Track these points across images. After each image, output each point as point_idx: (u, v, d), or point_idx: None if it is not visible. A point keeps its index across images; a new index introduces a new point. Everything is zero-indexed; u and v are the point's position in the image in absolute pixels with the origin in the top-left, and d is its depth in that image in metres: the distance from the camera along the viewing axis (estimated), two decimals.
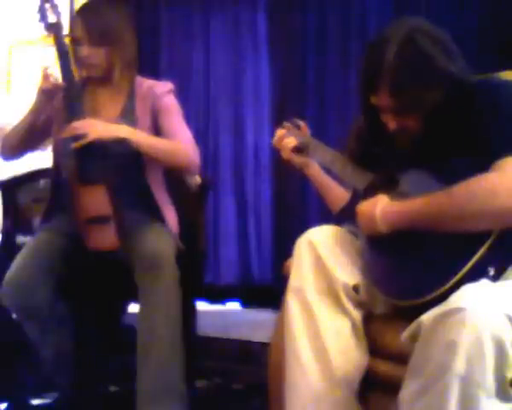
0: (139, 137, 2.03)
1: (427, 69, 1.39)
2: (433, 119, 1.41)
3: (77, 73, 2.14)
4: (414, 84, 1.39)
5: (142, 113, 2.13)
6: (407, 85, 1.39)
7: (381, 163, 1.52)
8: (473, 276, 1.23)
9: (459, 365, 1.09)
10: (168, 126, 2.12)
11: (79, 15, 2.09)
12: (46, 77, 2.03)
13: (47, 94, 2.04)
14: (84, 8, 2.13)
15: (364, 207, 1.45)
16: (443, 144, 1.39)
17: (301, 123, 1.83)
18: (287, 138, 1.77)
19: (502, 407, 1.11)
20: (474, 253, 1.25)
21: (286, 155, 1.78)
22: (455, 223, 1.28)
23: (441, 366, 1.12)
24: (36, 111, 2.07)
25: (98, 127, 1.99)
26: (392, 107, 1.43)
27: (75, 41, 2.08)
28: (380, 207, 1.39)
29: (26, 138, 2.13)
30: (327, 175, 1.79)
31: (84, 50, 2.07)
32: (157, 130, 2.13)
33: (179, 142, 2.09)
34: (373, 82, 1.43)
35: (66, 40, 2.11)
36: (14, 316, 2.01)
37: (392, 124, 1.46)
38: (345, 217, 1.65)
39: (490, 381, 1.10)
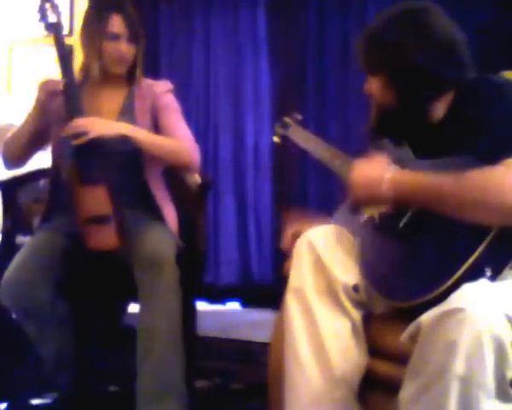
0: (140, 134, 2.04)
1: (396, 39, 1.45)
2: (397, 88, 1.46)
3: (76, 73, 2.15)
4: (377, 45, 1.49)
5: (141, 111, 2.13)
6: (372, 43, 1.50)
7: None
8: (470, 276, 1.23)
9: (459, 365, 1.10)
10: (168, 125, 2.13)
11: (119, 12, 2.07)
12: (42, 88, 2.04)
13: (43, 103, 2.05)
14: (122, 5, 2.10)
15: (368, 168, 1.43)
16: (444, 135, 1.40)
17: (299, 117, 1.83)
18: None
19: (502, 408, 1.11)
20: (470, 253, 1.25)
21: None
22: (454, 208, 1.28)
23: (441, 367, 1.12)
24: (34, 120, 2.08)
25: (99, 125, 1.99)
26: (361, 64, 1.53)
27: (114, 37, 2.07)
28: (391, 173, 1.38)
29: (30, 145, 2.14)
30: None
31: (124, 47, 2.08)
32: (156, 129, 2.14)
33: (180, 140, 2.10)
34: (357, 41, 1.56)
35: (69, 39, 2.11)
36: (13, 316, 2.00)
37: (366, 86, 1.53)
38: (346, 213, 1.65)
39: (490, 381, 1.10)
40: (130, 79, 2.16)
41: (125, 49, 2.09)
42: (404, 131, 1.48)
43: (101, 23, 2.07)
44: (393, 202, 1.38)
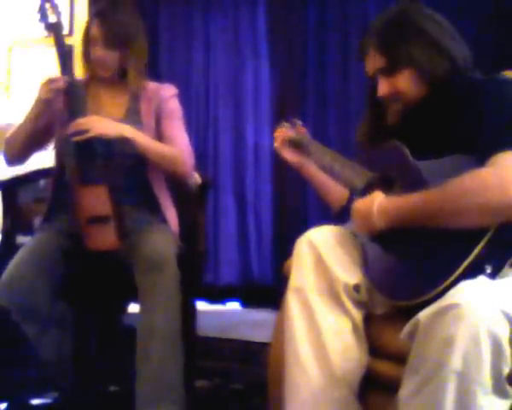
0: (140, 137, 2.04)
1: (414, 30, 1.47)
2: (426, 85, 1.47)
3: (82, 73, 2.15)
4: (398, 39, 1.48)
5: (146, 115, 2.14)
6: (391, 39, 1.49)
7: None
8: (470, 274, 1.23)
9: (456, 361, 1.10)
10: (168, 131, 2.14)
11: (98, 16, 2.10)
12: (46, 85, 2.04)
13: (46, 102, 2.05)
14: (102, 10, 2.13)
15: (361, 204, 1.45)
16: (439, 134, 1.40)
17: (299, 122, 1.84)
18: (286, 133, 1.80)
19: (498, 403, 1.12)
20: (470, 251, 1.25)
21: (279, 149, 1.80)
22: (449, 218, 1.29)
23: (438, 362, 1.12)
24: (34, 119, 2.08)
25: (102, 124, 2.00)
26: (380, 65, 1.51)
27: (91, 40, 2.10)
28: (377, 203, 1.40)
29: (28, 144, 2.13)
30: (323, 174, 1.79)
31: (99, 51, 2.09)
32: (159, 132, 2.14)
33: (178, 149, 2.10)
34: (363, 49, 1.55)
35: (69, 39, 2.12)
36: (13, 315, 2.00)
37: (384, 87, 1.51)
38: (344, 217, 1.66)
39: (486, 377, 1.10)
40: (128, 82, 2.15)
41: (101, 53, 2.09)
42: (429, 126, 1.46)
43: (87, 27, 2.13)
44: (387, 229, 1.39)
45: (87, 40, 2.12)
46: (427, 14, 1.50)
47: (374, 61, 1.53)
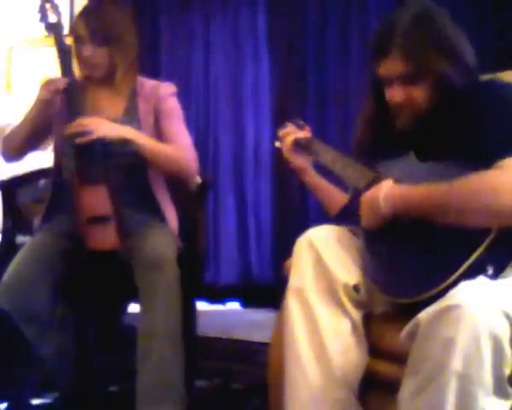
0: (142, 139, 2.03)
1: (439, 37, 1.43)
2: (439, 93, 1.44)
3: (78, 73, 2.14)
4: (425, 49, 1.43)
5: (145, 113, 2.12)
6: (419, 48, 1.43)
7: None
8: (471, 274, 1.23)
9: (456, 362, 1.10)
10: (169, 130, 2.12)
11: (83, 15, 2.09)
12: (46, 86, 2.04)
13: (45, 103, 2.05)
14: (87, 7, 2.12)
15: (369, 193, 1.45)
16: (444, 137, 1.40)
17: (303, 123, 1.83)
18: (291, 134, 1.79)
19: (499, 404, 1.12)
20: (472, 251, 1.25)
21: (287, 151, 1.78)
22: (455, 216, 1.28)
23: (439, 364, 1.12)
24: (33, 118, 2.08)
25: (103, 125, 1.99)
26: (402, 72, 1.45)
27: (78, 40, 2.08)
28: (384, 189, 1.40)
29: (28, 140, 2.13)
30: (323, 179, 1.79)
31: (87, 50, 2.06)
32: (158, 131, 2.13)
33: (180, 149, 2.09)
34: (384, 48, 1.46)
35: (69, 40, 2.11)
36: (13, 317, 2.00)
37: (398, 94, 1.47)
38: (344, 217, 1.66)
39: (487, 378, 1.10)
40: (109, 80, 2.13)
41: (88, 51, 2.06)
42: (437, 131, 1.44)
43: (73, 27, 2.11)
44: (395, 216, 1.38)
45: (75, 41, 2.09)
46: (445, 15, 1.47)
47: (394, 65, 1.46)
